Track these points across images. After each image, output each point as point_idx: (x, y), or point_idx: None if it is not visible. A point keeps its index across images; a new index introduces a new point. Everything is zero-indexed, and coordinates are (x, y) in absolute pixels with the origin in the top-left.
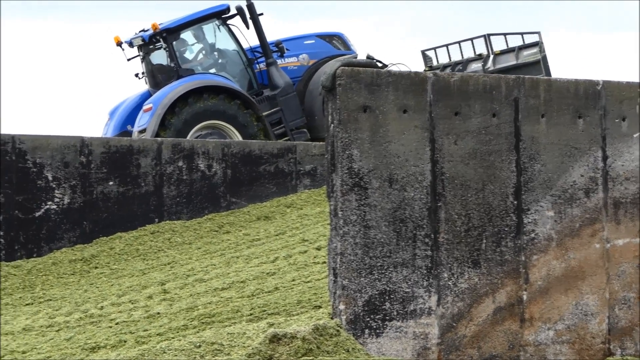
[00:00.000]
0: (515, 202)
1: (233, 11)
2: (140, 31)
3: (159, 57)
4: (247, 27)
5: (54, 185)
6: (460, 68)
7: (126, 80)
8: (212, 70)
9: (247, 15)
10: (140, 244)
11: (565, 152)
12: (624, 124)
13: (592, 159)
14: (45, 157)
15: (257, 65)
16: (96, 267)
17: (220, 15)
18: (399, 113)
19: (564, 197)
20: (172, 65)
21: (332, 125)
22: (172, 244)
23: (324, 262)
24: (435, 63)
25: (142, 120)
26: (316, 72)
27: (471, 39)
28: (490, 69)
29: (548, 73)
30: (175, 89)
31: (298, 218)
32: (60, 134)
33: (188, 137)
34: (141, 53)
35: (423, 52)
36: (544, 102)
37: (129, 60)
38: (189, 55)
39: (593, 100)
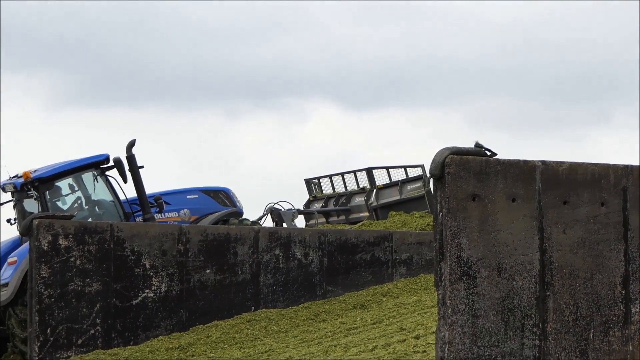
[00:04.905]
0: (623, 292)
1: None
2: (12, 177)
3: (33, 204)
4: (125, 180)
5: (152, 274)
6: (344, 201)
7: None
8: None
9: (126, 168)
10: (237, 332)
11: None
12: None
13: None
14: (143, 245)
15: (135, 219)
16: (193, 355)
17: (98, 166)
18: (507, 202)
19: None
20: None
21: (441, 214)
22: (268, 332)
23: (424, 351)
24: (318, 192)
25: (6, 273)
26: None
27: (354, 172)
28: (373, 204)
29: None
30: None
31: (395, 307)
32: None
33: None
34: (14, 199)
35: (307, 181)
36: None
37: (1, 204)
38: (62, 204)
39: None
